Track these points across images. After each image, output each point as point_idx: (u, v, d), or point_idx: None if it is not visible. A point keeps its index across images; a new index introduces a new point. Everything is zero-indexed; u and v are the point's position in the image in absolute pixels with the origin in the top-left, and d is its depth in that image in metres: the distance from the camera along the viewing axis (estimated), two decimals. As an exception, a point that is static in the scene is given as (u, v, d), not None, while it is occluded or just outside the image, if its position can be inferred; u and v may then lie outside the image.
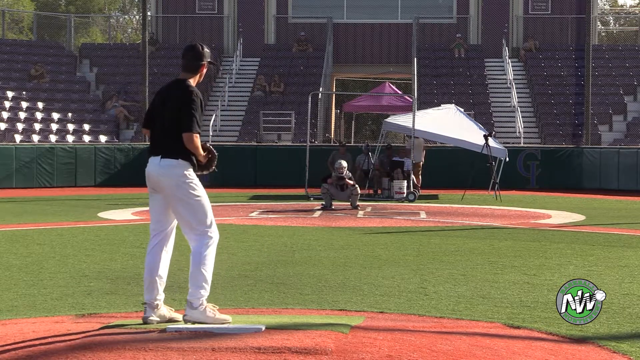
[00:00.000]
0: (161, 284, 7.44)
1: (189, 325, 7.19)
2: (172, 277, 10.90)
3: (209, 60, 7.54)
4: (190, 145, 7.26)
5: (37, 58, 41.01)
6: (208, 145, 7.52)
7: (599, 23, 53.87)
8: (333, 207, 22.18)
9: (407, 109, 33.99)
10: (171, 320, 7.42)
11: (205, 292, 7.27)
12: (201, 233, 7.33)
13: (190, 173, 7.34)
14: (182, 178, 7.30)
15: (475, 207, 23.55)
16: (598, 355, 6.90)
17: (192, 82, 7.48)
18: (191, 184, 7.33)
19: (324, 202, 22.45)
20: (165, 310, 7.44)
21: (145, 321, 7.35)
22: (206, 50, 7.55)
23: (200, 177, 7.52)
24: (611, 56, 41.96)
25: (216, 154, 7.56)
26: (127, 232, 16.40)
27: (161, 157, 7.35)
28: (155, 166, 7.38)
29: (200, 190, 7.36)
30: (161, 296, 7.44)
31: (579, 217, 20.29)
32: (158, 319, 7.36)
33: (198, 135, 7.31)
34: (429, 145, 30.78)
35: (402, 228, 17.97)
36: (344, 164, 23.11)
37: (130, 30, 72.53)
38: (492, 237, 15.83)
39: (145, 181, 7.52)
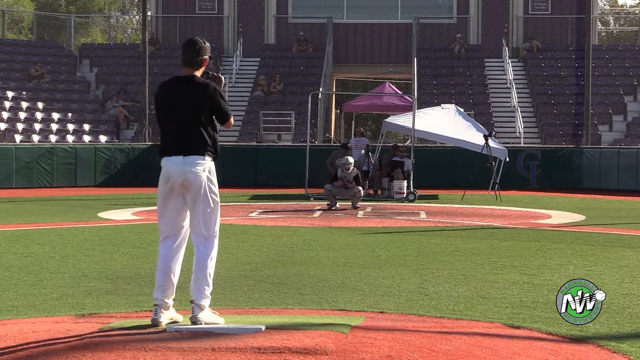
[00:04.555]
0: (174, 284, 7.42)
1: (189, 325, 7.19)
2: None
3: (209, 54, 7.54)
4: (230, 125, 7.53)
5: (37, 58, 41.01)
6: (212, 74, 7.58)
7: (599, 23, 53.85)
8: (338, 206, 22.16)
9: (407, 109, 33.94)
10: (173, 321, 7.40)
11: (209, 294, 7.39)
12: (210, 236, 7.35)
13: (214, 170, 7.38)
14: (210, 176, 7.33)
15: (475, 207, 23.54)
16: (598, 355, 6.90)
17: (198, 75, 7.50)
18: (214, 184, 7.37)
19: (328, 202, 22.39)
20: (172, 312, 7.44)
21: (155, 323, 7.24)
22: (207, 44, 7.52)
23: None
24: (611, 56, 41.96)
25: (217, 75, 7.61)
26: (127, 232, 16.39)
27: (185, 155, 7.28)
28: (180, 164, 7.27)
29: (218, 194, 7.42)
30: (172, 297, 7.43)
31: (579, 217, 20.28)
32: (168, 321, 7.31)
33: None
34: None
35: (402, 228, 17.96)
36: (351, 159, 23.14)
37: (130, 30, 72.52)
38: (492, 237, 15.83)
39: (162, 182, 7.34)
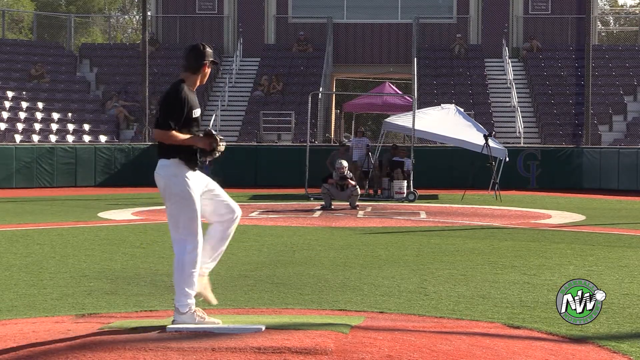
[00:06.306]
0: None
1: (189, 326, 7.18)
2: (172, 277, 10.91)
3: (211, 59, 7.44)
4: (164, 140, 7.18)
5: (37, 58, 41.02)
6: (209, 129, 7.44)
7: (599, 23, 53.85)
8: (333, 207, 22.18)
9: (407, 109, 33.96)
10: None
11: (190, 298, 7.19)
12: (183, 237, 7.22)
13: (181, 173, 7.21)
14: (172, 179, 7.21)
15: (475, 207, 23.54)
16: (598, 355, 6.90)
17: (194, 81, 7.39)
18: (180, 184, 7.20)
19: (323, 203, 22.47)
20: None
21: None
22: (208, 50, 7.44)
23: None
24: (611, 56, 41.96)
25: (219, 137, 7.36)
26: (127, 232, 16.39)
27: (158, 159, 7.32)
28: (156, 167, 7.33)
29: (189, 194, 7.21)
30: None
31: (579, 217, 20.29)
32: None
33: (168, 131, 7.14)
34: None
35: (402, 228, 17.96)
36: (345, 163, 23.15)
37: (130, 30, 72.51)
38: (492, 237, 15.83)
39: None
